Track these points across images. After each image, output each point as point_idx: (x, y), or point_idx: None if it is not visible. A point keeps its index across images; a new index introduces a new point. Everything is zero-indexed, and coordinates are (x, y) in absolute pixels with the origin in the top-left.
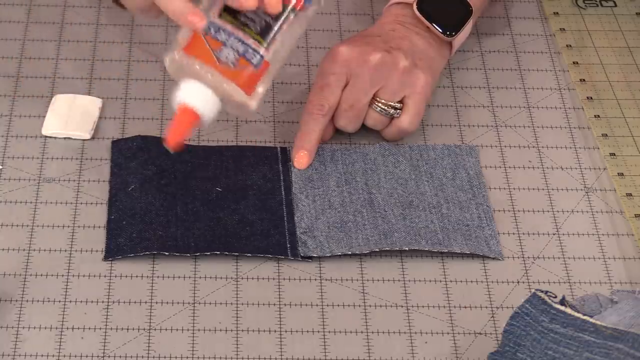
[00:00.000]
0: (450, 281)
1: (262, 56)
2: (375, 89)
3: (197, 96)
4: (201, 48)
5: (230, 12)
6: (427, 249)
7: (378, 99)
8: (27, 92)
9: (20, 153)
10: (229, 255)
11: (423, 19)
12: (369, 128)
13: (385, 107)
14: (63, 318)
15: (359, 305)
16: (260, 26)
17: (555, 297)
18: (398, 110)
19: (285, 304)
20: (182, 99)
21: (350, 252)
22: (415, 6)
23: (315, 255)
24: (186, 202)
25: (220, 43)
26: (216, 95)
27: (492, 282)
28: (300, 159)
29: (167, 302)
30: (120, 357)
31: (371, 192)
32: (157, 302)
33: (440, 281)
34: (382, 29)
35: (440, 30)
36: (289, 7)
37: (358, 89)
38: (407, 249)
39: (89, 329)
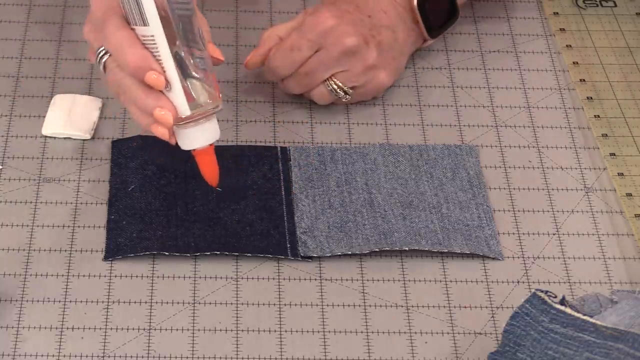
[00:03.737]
0: (450, 281)
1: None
2: (337, 70)
3: (202, 135)
4: None
5: None
6: (427, 249)
7: (334, 79)
8: (27, 92)
9: (20, 153)
10: (229, 255)
11: (418, 15)
12: (369, 128)
13: (337, 89)
14: (63, 318)
15: (359, 305)
16: None
17: (555, 297)
18: (348, 96)
19: (285, 304)
20: (193, 145)
21: (350, 252)
22: (415, 1)
23: (315, 255)
24: (186, 202)
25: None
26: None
27: (492, 282)
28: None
29: (167, 302)
30: (120, 357)
31: (371, 192)
32: (157, 302)
33: (440, 281)
34: (376, 5)
35: (425, 29)
36: None
37: (322, 62)
38: (407, 249)
39: (89, 329)
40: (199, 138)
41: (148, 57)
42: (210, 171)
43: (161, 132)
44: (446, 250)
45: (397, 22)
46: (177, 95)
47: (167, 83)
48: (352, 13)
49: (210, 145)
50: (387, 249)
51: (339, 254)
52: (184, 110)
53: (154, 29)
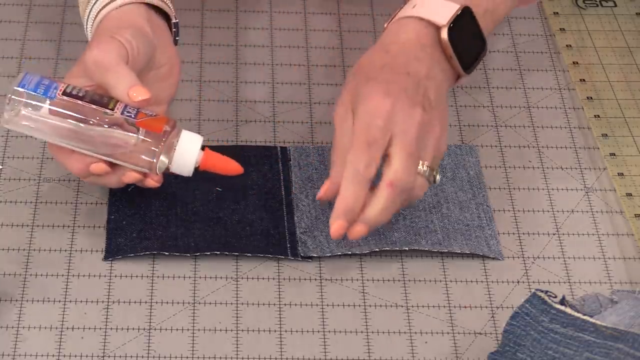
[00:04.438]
0: (450, 281)
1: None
2: (421, 150)
3: (192, 143)
4: None
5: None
6: (427, 249)
7: (424, 162)
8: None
9: (20, 153)
10: (229, 255)
11: (451, 49)
12: None
13: (428, 170)
14: (63, 318)
15: (359, 305)
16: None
17: (555, 297)
18: (439, 176)
19: (285, 304)
20: (190, 168)
21: (350, 252)
22: (446, 33)
23: (315, 255)
24: (186, 202)
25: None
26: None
27: (492, 282)
28: (339, 230)
29: (167, 302)
30: (120, 357)
31: None
32: (157, 302)
33: (440, 281)
34: (407, 56)
35: (460, 64)
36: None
37: (411, 154)
38: (407, 249)
39: (89, 329)
40: (186, 160)
41: (81, 158)
42: (225, 168)
43: (150, 184)
44: (446, 250)
45: (431, 65)
46: (126, 165)
47: (109, 164)
48: (395, 80)
49: (203, 150)
50: (387, 249)
51: (339, 254)
52: (144, 167)
53: (63, 144)
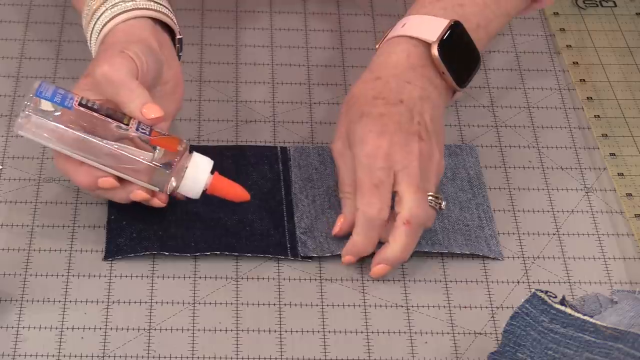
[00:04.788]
0: (450, 281)
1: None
2: (425, 182)
3: (202, 167)
4: None
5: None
6: (427, 249)
7: (429, 191)
8: (27, 92)
9: (20, 153)
10: (229, 255)
11: (442, 65)
12: None
13: (435, 199)
14: (63, 318)
15: (359, 305)
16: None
17: (555, 297)
18: (444, 202)
19: (285, 304)
20: (198, 191)
21: None
22: (436, 49)
23: (315, 255)
24: (186, 202)
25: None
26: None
27: (492, 282)
28: (349, 262)
29: (167, 302)
30: (120, 357)
31: None
32: (157, 302)
33: (440, 281)
34: (398, 81)
35: (453, 79)
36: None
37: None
38: None
39: (89, 329)
40: (196, 183)
41: (90, 171)
42: (233, 193)
43: (156, 204)
44: (446, 251)
45: (424, 85)
46: (135, 182)
47: (118, 178)
48: (388, 113)
49: (213, 174)
50: None
51: (339, 254)
52: (154, 185)
53: (74, 155)
